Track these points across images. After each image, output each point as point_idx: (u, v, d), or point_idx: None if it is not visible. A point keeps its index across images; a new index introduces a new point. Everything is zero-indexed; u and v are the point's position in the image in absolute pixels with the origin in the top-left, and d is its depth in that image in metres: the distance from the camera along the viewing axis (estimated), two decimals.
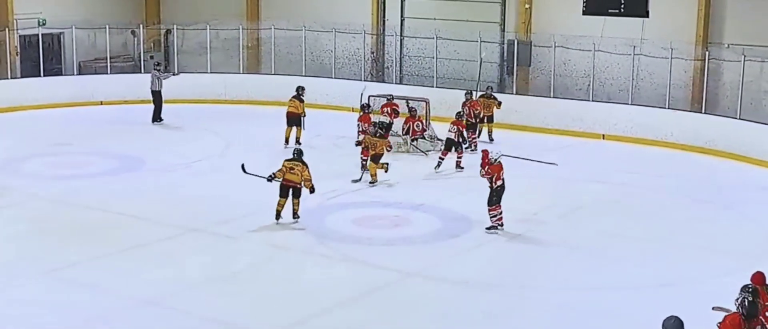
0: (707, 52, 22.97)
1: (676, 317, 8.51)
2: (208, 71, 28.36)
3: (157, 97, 24.77)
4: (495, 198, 15.28)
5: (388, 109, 22.27)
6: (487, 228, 15.40)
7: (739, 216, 17.11)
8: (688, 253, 14.94)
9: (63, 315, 11.90)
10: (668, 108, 23.22)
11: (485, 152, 15.42)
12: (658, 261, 14.41)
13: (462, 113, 21.13)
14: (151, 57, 29.43)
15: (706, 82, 22.85)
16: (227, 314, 12.16)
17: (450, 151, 19.70)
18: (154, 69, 25.15)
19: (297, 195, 15.96)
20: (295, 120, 21.76)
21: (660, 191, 18.62)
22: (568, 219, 16.51)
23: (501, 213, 15.34)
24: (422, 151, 21.38)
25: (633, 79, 23.78)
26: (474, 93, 22.59)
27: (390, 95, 22.89)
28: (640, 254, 14.81)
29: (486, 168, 15.20)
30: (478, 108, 22.18)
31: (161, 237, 15.39)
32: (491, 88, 23.57)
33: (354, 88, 25.13)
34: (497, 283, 13.48)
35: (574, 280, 13.65)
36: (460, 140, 19.77)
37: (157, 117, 24.80)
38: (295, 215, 16.04)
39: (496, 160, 15.26)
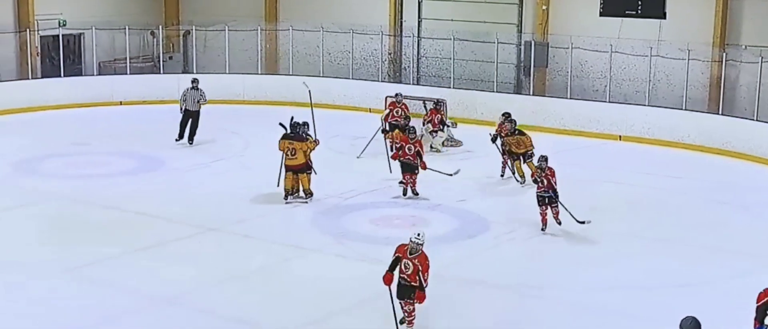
0: (724, 54, 22.90)
1: (694, 318, 8.49)
2: (227, 72, 28.41)
3: (194, 117, 22.13)
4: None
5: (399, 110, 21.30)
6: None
7: (756, 218, 17.03)
8: (704, 254, 14.90)
9: (82, 313, 11.94)
10: (685, 109, 23.14)
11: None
12: (674, 261, 14.37)
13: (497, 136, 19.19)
14: (170, 57, 29.54)
15: (723, 84, 22.77)
16: (245, 312, 12.19)
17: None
18: (193, 88, 22.36)
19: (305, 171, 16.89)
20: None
21: (677, 192, 18.54)
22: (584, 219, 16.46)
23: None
24: (435, 148, 21.40)
25: (650, 80, 23.72)
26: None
27: (399, 94, 21.85)
28: (657, 254, 14.77)
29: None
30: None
31: (180, 236, 15.43)
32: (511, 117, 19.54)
33: (372, 89, 25.16)
34: (514, 283, 13.45)
35: (590, 280, 13.61)
36: None
37: (190, 135, 22.13)
38: (307, 193, 16.99)
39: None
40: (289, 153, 16.95)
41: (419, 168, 17.45)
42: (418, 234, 10.96)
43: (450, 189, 18.11)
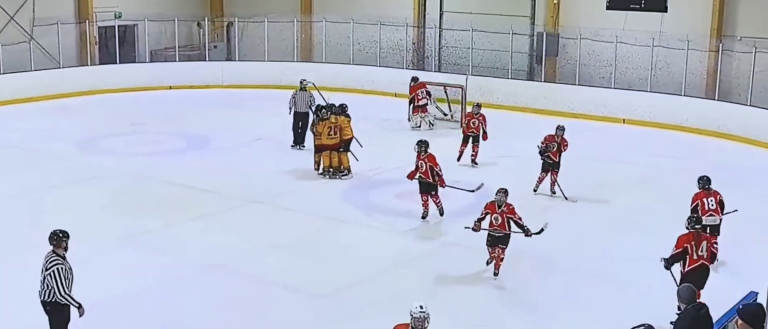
0: (721, 44, 22.82)
1: (690, 286, 8.57)
2: (266, 59, 28.54)
3: (304, 120, 19.79)
4: None
5: (423, 91, 22.41)
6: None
7: (753, 196, 16.97)
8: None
9: (141, 277, 12.16)
10: (684, 95, 23.10)
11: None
12: (676, 234, 14.33)
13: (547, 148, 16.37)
14: (215, 46, 29.69)
15: (720, 72, 22.71)
16: (286, 277, 12.37)
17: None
18: (302, 89, 20.05)
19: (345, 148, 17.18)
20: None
21: (678, 171, 18.46)
22: (592, 196, 16.52)
23: None
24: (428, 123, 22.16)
25: (652, 68, 23.67)
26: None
27: (415, 77, 23.11)
28: (661, 229, 14.71)
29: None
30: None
31: (226, 208, 15.61)
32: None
33: (398, 76, 25.29)
34: (528, 252, 13.51)
35: (598, 251, 13.69)
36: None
37: (300, 140, 19.98)
38: (343, 171, 17.26)
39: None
40: (332, 132, 17.10)
41: (438, 186, 14.80)
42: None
43: (465, 170, 18.19)
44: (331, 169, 17.34)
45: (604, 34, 24.08)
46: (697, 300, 8.47)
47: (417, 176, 14.75)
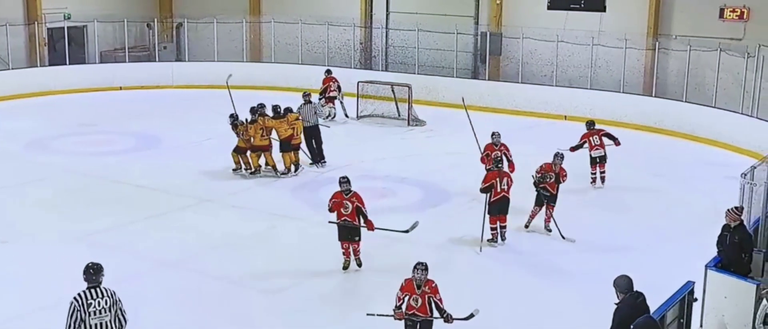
0: (657, 43, 23.16)
1: (627, 276, 8.61)
2: (215, 60, 28.35)
3: (315, 132, 18.48)
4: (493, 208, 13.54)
5: (334, 83, 22.99)
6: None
7: (687, 188, 17.29)
8: (642, 219, 15.16)
9: None
10: (623, 92, 23.42)
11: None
12: (616, 226, 14.61)
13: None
14: (165, 47, 29.40)
15: (656, 70, 23.07)
16: (236, 274, 12.35)
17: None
18: (306, 103, 18.74)
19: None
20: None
21: (617, 165, 18.70)
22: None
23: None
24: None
25: (592, 66, 23.93)
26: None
27: (328, 70, 23.75)
28: (600, 220, 15.01)
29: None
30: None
31: (177, 207, 15.53)
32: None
33: (346, 76, 25.26)
34: (472, 244, 13.66)
35: (542, 243, 13.85)
36: None
37: (318, 157, 18.48)
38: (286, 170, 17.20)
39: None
40: (264, 133, 17.20)
41: (361, 231, 12.28)
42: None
43: (415, 165, 18.29)
44: (289, 169, 17.45)
45: (545, 34, 24.29)
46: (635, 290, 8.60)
47: (343, 220, 12.10)
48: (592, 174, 16.98)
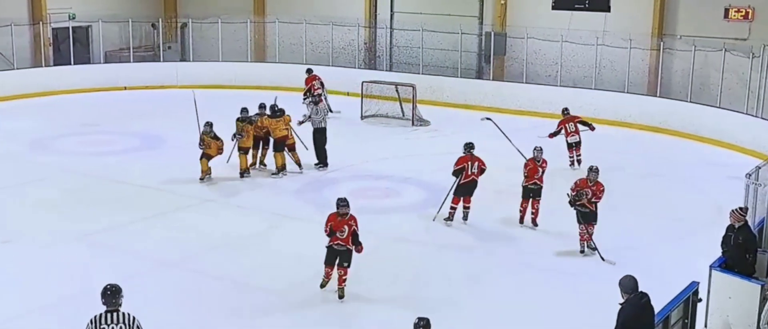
0: (662, 43, 23.04)
1: (632, 276, 8.53)
2: (220, 60, 28.28)
3: (322, 135, 17.99)
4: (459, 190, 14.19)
5: (317, 82, 22.92)
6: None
7: (692, 188, 17.19)
8: (646, 220, 15.03)
9: (94, 275, 11.87)
10: (627, 92, 23.31)
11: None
12: (620, 226, 14.47)
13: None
14: (169, 47, 29.35)
15: (661, 70, 22.94)
16: (237, 274, 12.24)
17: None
18: (316, 102, 18.60)
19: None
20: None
21: (621, 165, 18.64)
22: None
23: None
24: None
25: (596, 66, 23.83)
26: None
27: (309, 69, 23.83)
28: (604, 220, 14.82)
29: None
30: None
31: (179, 207, 15.43)
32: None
33: (350, 75, 25.21)
34: (474, 246, 13.57)
35: (542, 243, 13.70)
36: None
37: (323, 160, 18.08)
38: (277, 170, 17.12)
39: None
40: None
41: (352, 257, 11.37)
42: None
43: (419, 165, 18.15)
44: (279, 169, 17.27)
45: (550, 34, 24.19)
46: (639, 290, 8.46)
47: (336, 244, 11.27)
48: (570, 157, 18.21)
